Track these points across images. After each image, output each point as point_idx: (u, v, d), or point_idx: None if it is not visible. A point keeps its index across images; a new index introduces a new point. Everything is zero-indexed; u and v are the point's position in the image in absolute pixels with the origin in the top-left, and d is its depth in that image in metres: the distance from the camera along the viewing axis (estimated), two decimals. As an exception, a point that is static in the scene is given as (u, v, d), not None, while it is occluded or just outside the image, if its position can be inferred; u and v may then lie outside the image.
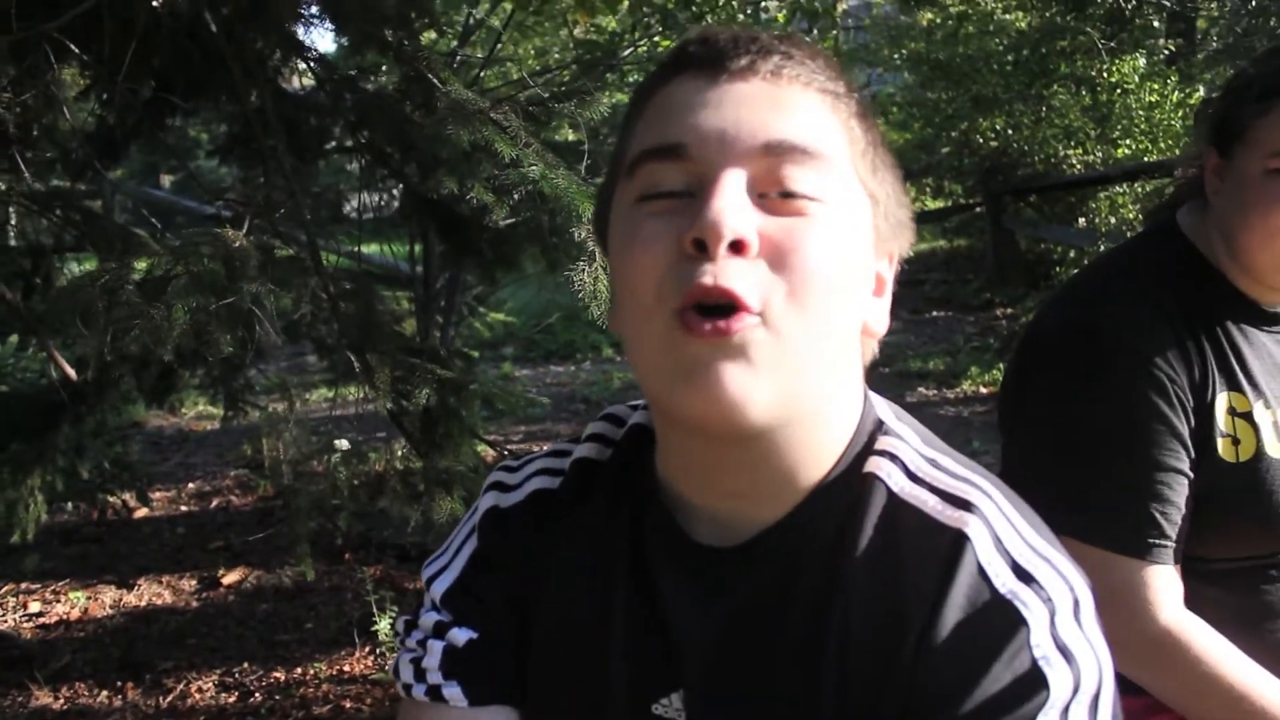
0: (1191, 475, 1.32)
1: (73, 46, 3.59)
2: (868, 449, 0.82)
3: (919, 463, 0.82)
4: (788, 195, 0.75)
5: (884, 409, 0.87)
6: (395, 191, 4.42)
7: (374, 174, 3.20)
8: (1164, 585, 1.29)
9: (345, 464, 4.02)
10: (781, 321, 0.72)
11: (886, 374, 6.96)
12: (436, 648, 0.92)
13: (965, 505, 0.79)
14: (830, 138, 0.77)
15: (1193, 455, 1.32)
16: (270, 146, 3.20)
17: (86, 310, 2.78)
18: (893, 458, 0.82)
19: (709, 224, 0.71)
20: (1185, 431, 1.31)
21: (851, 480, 0.81)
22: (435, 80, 2.75)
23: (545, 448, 1.01)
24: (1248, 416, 1.33)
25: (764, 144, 0.74)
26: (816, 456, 0.80)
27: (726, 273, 0.71)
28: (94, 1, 2.94)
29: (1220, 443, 1.32)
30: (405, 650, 0.95)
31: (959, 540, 0.77)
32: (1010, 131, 9.10)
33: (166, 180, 11.90)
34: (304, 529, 3.17)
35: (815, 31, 6.56)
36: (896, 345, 7.86)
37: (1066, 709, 0.73)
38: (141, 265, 3.07)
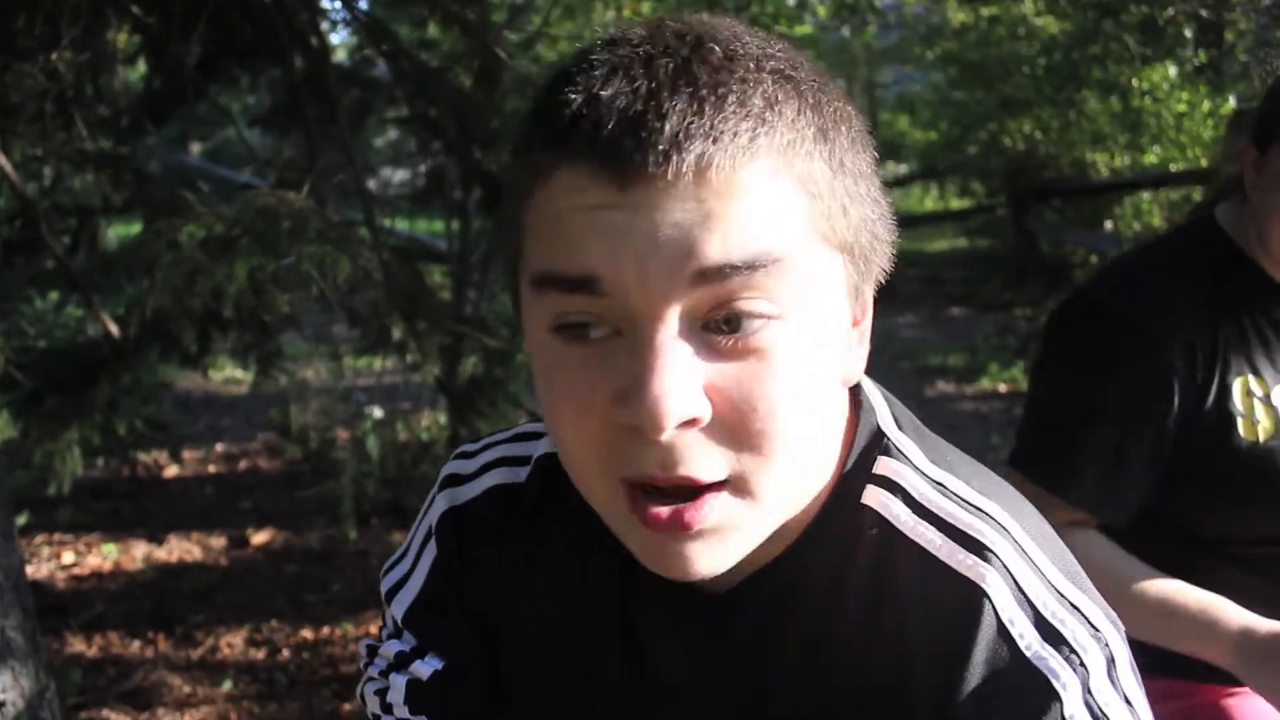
0: (1156, 472, 1.40)
1: (134, 9, 3.66)
2: (865, 473, 0.73)
3: (924, 489, 0.73)
4: (733, 323, 0.61)
5: (884, 415, 0.76)
6: (423, 167, 4.49)
7: (426, 145, 3.25)
8: (1068, 525, 1.40)
9: (377, 431, 4.12)
10: (754, 484, 0.63)
11: (906, 369, 7.03)
12: (399, 683, 0.85)
13: (980, 549, 0.70)
14: (783, 220, 0.61)
15: (1168, 452, 1.39)
16: (323, 112, 3.27)
17: (152, 265, 2.88)
18: (893, 486, 0.73)
19: (647, 412, 0.58)
20: (1173, 428, 1.38)
21: (847, 514, 0.72)
22: (502, 54, 2.83)
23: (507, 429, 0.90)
24: (1266, 399, 1.39)
25: (697, 273, 0.59)
26: (805, 502, 0.71)
27: (678, 456, 0.61)
28: None
29: (1240, 422, 1.37)
30: (368, 680, 0.89)
31: (975, 594, 0.69)
32: (1038, 134, 9.17)
33: (195, 148, 12.00)
34: (347, 492, 3.26)
35: (848, 30, 6.60)
36: (916, 340, 7.94)
37: None
38: (194, 228, 3.17)
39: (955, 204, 12.61)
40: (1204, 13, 7.60)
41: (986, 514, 0.71)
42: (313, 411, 5.36)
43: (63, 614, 3.82)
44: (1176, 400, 1.37)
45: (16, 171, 3.57)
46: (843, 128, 0.64)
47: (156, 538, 4.53)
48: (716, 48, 0.61)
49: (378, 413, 4.55)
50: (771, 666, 0.74)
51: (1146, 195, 7.68)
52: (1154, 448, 1.38)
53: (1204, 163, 7.03)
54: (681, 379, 0.59)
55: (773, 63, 0.62)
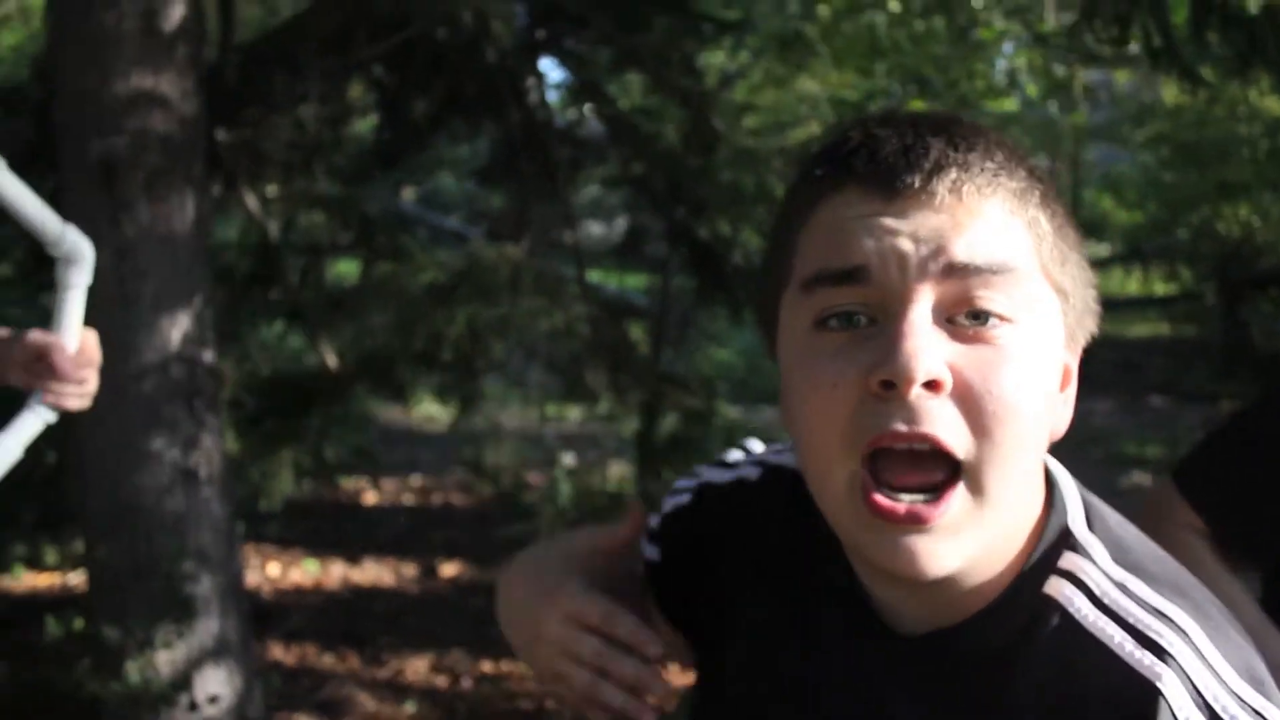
0: None
1: (375, 69, 3.94)
2: (1050, 565, 0.76)
3: (1107, 587, 0.75)
4: (977, 317, 0.70)
5: (1075, 512, 0.79)
6: (621, 221, 4.63)
7: (635, 203, 3.40)
8: (1179, 514, 1.38)
9: (568, 478, 4.27)
10: (986, 478, 0.69)
11: (1098, 457, 6.76)
12: (644, 550, 1.00)
13: (1158, 650, 0.71)
14: (1016, 245, 0.72)
15: None
16: (538, 167, 3.45)
17: (379, 306, 3.11)
18: (1077, 581, 0.75)
19: (900, 364, 0.67)
20: None
21: (1027, 599, 0.75)
22: (717, 126, 2.95)
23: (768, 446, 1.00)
24: None
25: (947, 266, 0.70)
26: (993, 577, 0.75)
27: (922, 415, 0.68)
28: (410, 33, 3.23)
29: None
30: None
31: (1150, 693, 0.70)
32: (1256, 220, 8.73)
33: (407, 193, 12.63)
34: (541, 534, 3.38)
35: (1058, 108, 6.49)
36: (1110, 428, 7.62)
37: None
38: (419, 274, 3.39)
39: (1160, 288, 12.08)
40: None
41: (1168, 616, 0.73)
42: (506, 453, 5.62)
43: (266, 622, 4.01)
44: None
45: (260, 212, 3.91)
46: (1059, 204, 0.76)
47: (353, 559, 4.75)
48: (966, 121, 0.75)
49: (569, 459, 4.70)
50: (932, 709, 0.77)
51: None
52: None
53: None
54: (929, 343, 0.68)
55: (1009, 142, 0.76)
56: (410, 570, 4.70)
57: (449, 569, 4.73)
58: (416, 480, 6.08)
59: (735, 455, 0.99)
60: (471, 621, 4.20)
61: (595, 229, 6.53)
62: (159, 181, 2.76)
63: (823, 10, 6.22)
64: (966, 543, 0.70)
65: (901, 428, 0.67)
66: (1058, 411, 0.75)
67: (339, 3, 2.96)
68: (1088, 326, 0.78)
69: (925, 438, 0.67)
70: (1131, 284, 13.12)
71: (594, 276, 5.69)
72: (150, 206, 2.76)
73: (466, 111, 3.92)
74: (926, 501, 0.68)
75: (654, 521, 1.00)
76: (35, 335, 1.47)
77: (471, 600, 4.36)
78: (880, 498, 0.68)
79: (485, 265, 3.15)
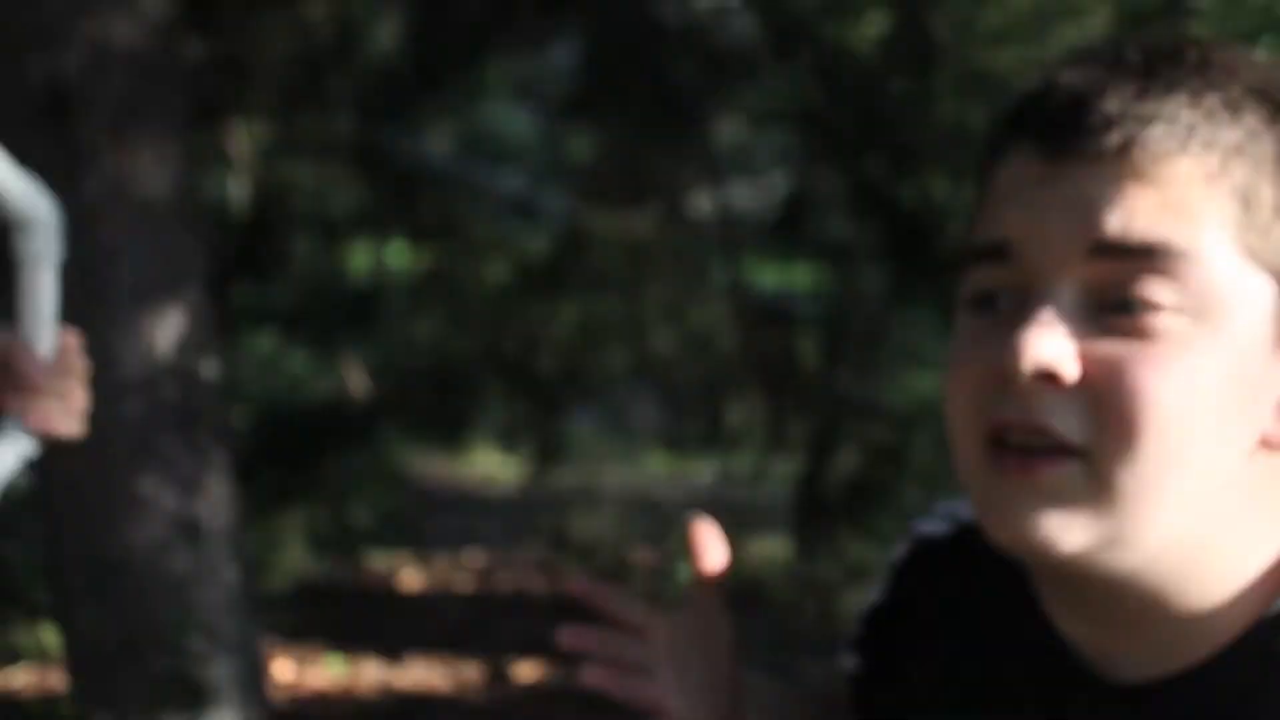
0: None
1: None
2: None
3: None
4: (1124, 306, 0.67)
5: None
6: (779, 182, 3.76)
7: (807, 156, 2.59)
8: None
9: (689, 555, 3.46)
10: (1108, 466, 0.68)
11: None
12: (842, 663, 1.01)
13: None
14: (1204, 219, 0.67)
15: None
16: (665, 96, 2.76)
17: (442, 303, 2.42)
18: None
19: (1010, 351, 0.67)
20: None
21: (1265, 649, 0.71)
22: (937, 33, 2.44)
23: None
24: None
25: (1092, 245, 0.67)
26: (1213, 609, 0.72)
27: (1033, 405, 0.68)
28: None
29: None
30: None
31: None
32: None
33: (437, 140, 11.13)
34: None
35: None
36: None
37: None
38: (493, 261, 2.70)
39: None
40: None
41: None
42: (602, 522, 5.18)
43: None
44: None
45: (252, 161, 3.45)
46: None
47: (393, 657, 4.37)
48: (1193, 53, 0.71)
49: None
50: None
51: None
52: None
53: None
54: (1053, 329, 0.67)
55: (1253, 75, 0.71)
56: (473, 673, 4.36)
57: (527, 672, 4.34)
58: (475, 558, 5.72)
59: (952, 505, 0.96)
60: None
61: (740, 192, 5.47)
62: (127, 119, 2.50)
63: None
64: (1075, 522, 0.69)
65: (1014, 417, 0.69)
66: (1272, 433, 0.72)
67: None
68: None
69: (1037, 428, 0.68)
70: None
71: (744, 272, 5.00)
72: (118, 155, 2.52)
73: (540, 6, 3.33)
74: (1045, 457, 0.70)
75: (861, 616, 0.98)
76: None
77: (558, 713, 3.91)
78: (999, 456, 0.70)
79: (591, 243, 2.50)
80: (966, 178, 2.50)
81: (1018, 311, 0.70)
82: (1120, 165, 0.67)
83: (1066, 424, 0.68)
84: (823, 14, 2.66)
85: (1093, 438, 0.68)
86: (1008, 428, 0.69)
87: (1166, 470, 0.69)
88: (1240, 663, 0.72)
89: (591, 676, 0.88)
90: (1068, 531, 0.69)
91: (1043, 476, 0.68)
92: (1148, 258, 0.66)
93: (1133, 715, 0.76)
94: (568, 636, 0.87)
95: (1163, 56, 0.70)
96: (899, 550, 0.96)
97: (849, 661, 0.96)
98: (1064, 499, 0.69)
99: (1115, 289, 0.68)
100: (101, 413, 2.50)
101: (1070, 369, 0.67)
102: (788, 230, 3.42)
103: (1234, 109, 0.68)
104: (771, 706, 0.98)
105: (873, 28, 2.52)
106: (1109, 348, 0.68)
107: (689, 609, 0.90)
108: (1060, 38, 2.59)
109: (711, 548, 0.87)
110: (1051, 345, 0.67)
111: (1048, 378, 0.67)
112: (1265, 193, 0.69)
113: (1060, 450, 0.68)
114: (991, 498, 0.72)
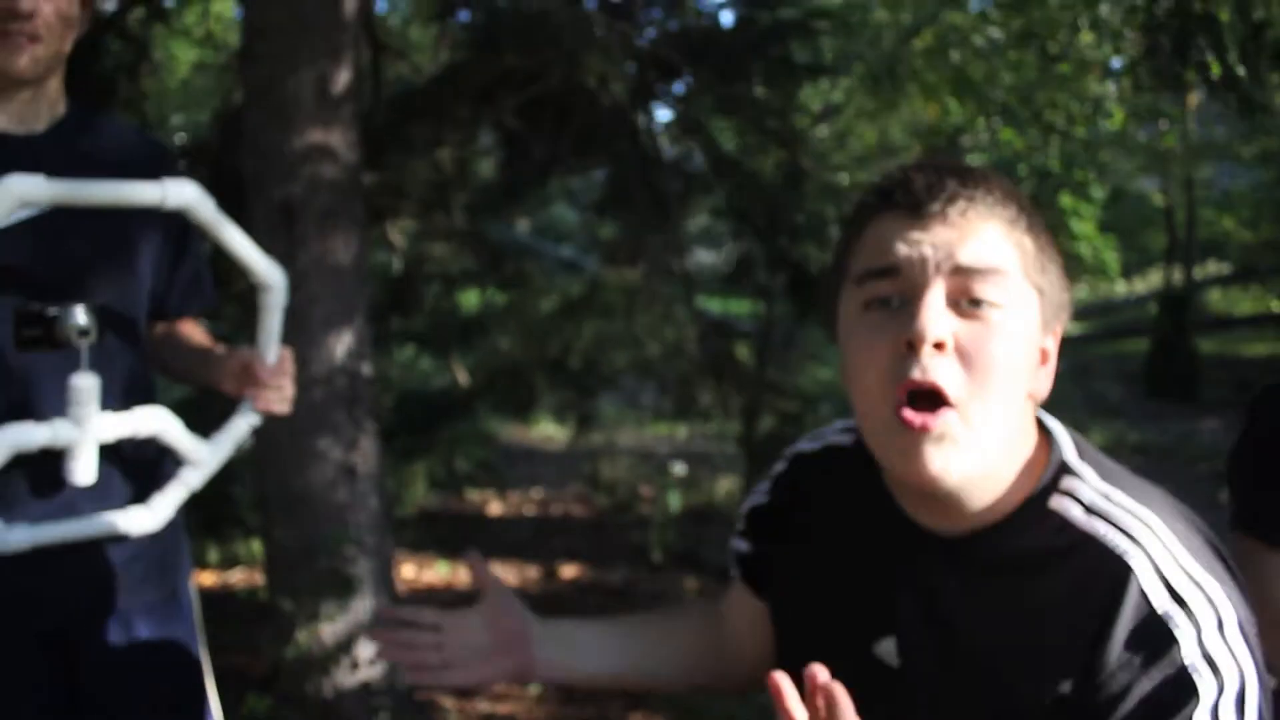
0: None
1: (507, 119, 4.25)
2: (1052, 489, 0.97)
3: (1094, 498, 0.96)
4: (974, 303, 0.91)
5: (1068, 448, 1.00)
6: (727, 250, 4.89)
7: (739, 233, 3.70)
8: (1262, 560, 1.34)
9: (678, 487, 4.56)
10: (972, 412, 0.89)
11: (1204, 472, 6.73)
12: (732, 547, 1.22)
13: (1131, 539, 0.93)
14: (1005, 255, 0.92)
15: None
16: (650, 199, 3.77)
17: (509, 326, 3.49)
18: (1072, 496, 0.96)
19: (917, 330, 0.89)
20: None
21: (1040, 511, 0.96)
22: (806, 164, 3.28)
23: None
24: None
25: (955, 266, 0.91)
26: (1002, 498, 0.96)
27: (931, 368, 0.89)
28: (543, 87, 3.57)
29: None
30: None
31: (1125, 569, 0.91)
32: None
33: (522, 225, 13.04)
34: (653, 540, 3.64)
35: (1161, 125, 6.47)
36: (1220, 445, 7.44)
37: (1215, 707, 0.87)
38: (547, 299, 3.76)
39: (1276, 306, 11.80)
40: None
41: (1138, 516, 0.95)
42: (620, 467, 5.84)
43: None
44: None
45: (403, 244, 4.28)
46: (1045, 235, 0.98)
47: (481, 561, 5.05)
48: (977, 169, 0.98)
49: (680, 468, 4.99)
50: (972, 596, 0.97)
51: None
52: None
53: None
54: (939, 317, 0.90)
55: (1009, 185, 0.98)
56: (533, 573, 4.94)
57: (568, 571, 4.95)
58: (538, 493, 6.38)
59: (814, 433, 1.19)
60: (590, 618, 4.50)
61: (706, 256, 6.79)
62: (328, 221, 2.98)
63: (922, 39, 6.43)
64: (961, 456, 0.90)
65: (917, 376, 0.89)
66: (1038, 378, 0.97)
67: (483, 62, 3.31)
68: (1063, 317, 0.99)
69: (933, 385, 0.90)
70: (1245, 303, 12.84)
71: (701, 304, 6.04)
72: (320, 242, 2.97)
73: (583, 150, 4.19)
74: (932, 412, 0.91)
75: (746, 506, 1.20)
76: (242, 350, 1.63)
77: (590, 599, 4.63)
78: (906, 411, 0.90)
79: (607, 288, 3.44)
80: (828, 247, 3.20)
81: (906, 309, 0.91)
82: (961, 223, 0.92)
83: (950, 381, 0.89)
84: (743, 154, 3.69)
85: (963, 390, 0.90)
86: (911, 390, 0.89)
87: (1001, 408, 0.91)
88: (1018, 522, 0.96)
89: (410, 677, 1.15)
90: (953, 463, 0.90)
91: (933, 427, 0.89)
92: (986, 274, 0.91)
93: (950, 554, 0.98)
94: (383, 639, 1.15)
95: (964, 169, 0.96)
96: (779, 465, 1.18)
97: (740, 545, 1.20)
98: (946, 441, 0.90)
99: (966, 293, 0.91)
100: (299, 398, 2.68)
101: (950, 341, 0.90)
102: (734, 279, 4.21)
103: (1007, 198, 0.94)
104: (589, 643, 1.25)
105: (770, 160, 3.51)
106: (968, 328, 0.91)
107: (485, 601, 1.20)
108: (880, 168, 3.60)
109: (484, 572, 1.21)
110: (943, 324, 0.89)
111: (938, 346, 0.89)
112: (1030, 247, 0.95)
113: (942, 405, 0.89)
114: (897, 444, 0.91)
